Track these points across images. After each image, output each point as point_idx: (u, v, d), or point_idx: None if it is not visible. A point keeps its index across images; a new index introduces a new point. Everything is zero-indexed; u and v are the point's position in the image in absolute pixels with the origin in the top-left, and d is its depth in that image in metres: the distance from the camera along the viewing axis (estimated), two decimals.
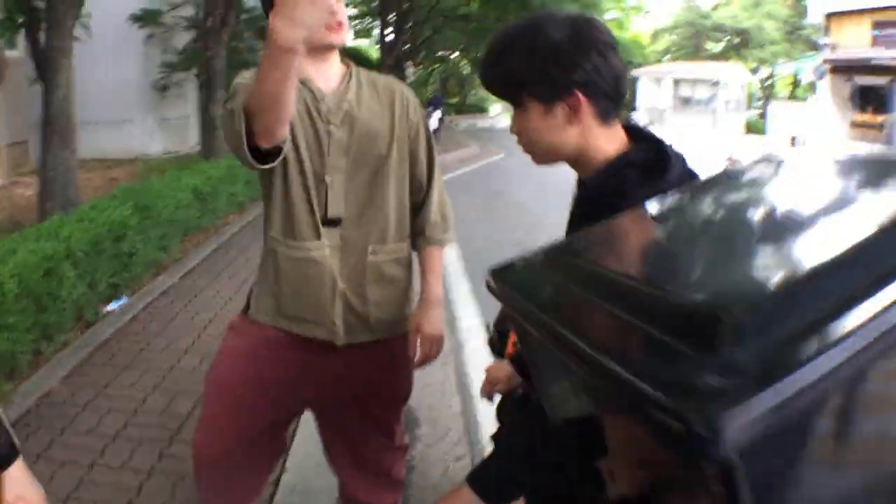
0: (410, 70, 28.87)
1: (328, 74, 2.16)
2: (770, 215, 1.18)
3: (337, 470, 2.54)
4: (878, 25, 23.91)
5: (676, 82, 39.66)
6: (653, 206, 1.37)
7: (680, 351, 0.80)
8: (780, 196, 1.26)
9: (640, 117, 34.45)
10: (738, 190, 1.36)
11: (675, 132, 24.96)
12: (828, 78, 25.67)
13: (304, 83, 2.08)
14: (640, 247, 1.30)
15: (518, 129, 1.62)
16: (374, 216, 2.20)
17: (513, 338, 2.24)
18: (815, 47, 31.30)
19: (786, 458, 0.76)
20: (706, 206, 1.36)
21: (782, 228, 1.07)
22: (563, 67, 1.47)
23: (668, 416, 0.72)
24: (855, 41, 24.96)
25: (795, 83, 35.39)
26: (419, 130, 2.28)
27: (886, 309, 0.75)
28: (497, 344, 2.38)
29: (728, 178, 1.42)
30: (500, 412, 2.32)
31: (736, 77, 39.84)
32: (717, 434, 0.67)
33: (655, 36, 51.21)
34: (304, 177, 2.11)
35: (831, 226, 0.99)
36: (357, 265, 2.19)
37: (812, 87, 29.70)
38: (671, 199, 1.39)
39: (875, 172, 1.21)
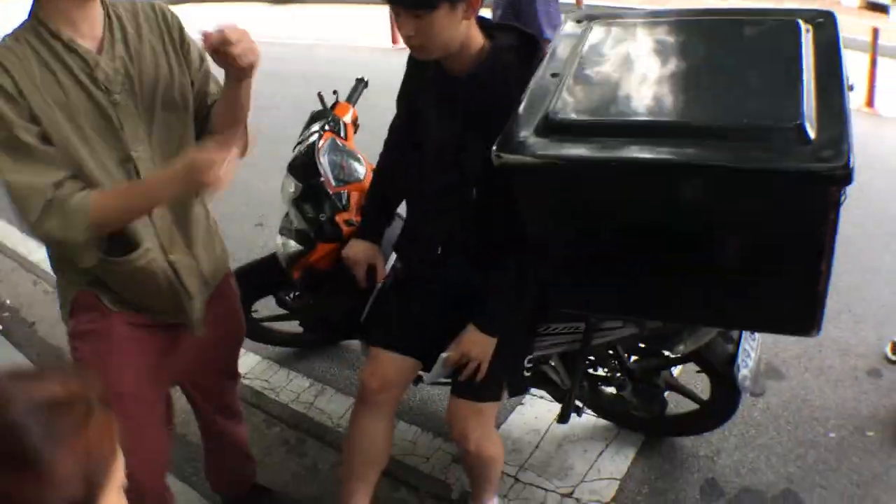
0: None
1: (93, 23, 1.81)
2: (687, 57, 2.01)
3: (202, 417, 2.57)
4: None
5: None
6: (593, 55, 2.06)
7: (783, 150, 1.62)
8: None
9: None
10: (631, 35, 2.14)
11: None
12: None
13: (68, 45, 1.74)
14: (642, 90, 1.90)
15: (416, 30, 1.94)
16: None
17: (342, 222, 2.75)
18: None
19: None
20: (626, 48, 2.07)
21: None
22: None
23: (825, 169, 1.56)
24: None
25: None
26: (201, 57, 2.02)
27: None
28: (330, 230, 2.73)
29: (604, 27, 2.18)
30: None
31: None
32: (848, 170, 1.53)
33: None
34: (103, 163, 1.82)
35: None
36: (184, 229, 2.05)
37: None
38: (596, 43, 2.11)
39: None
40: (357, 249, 2.49)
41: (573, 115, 1.84)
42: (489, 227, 2.19)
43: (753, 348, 2.60)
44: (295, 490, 3.00)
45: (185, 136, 1.99)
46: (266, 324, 3.57)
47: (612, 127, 1.80)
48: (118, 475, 1.04)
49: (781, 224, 1.73)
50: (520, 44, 2.14)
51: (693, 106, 1.85)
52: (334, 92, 3.20)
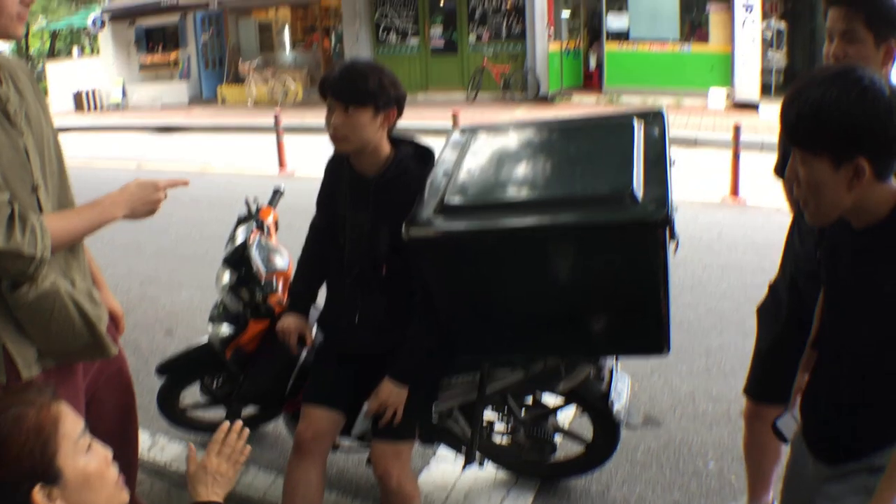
0: None
1: None
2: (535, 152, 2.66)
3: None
4: None
5: None
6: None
7: (620, 209, 2.24)
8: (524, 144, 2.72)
9: None
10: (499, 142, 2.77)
11: None
12: (109, 26, 24.42)
13: None
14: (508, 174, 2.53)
15: (343, 122, 2.53)
16: (67, 202, 2.25)
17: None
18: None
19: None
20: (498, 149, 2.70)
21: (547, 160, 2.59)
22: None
23: (650, 217, 2.18)
24: None
25: (74, 38, 34.11)
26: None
27: None
28: (265, 309, 3.21)
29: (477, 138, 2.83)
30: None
31: None
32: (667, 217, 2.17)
33: None
34: (21, 190, 2.01)
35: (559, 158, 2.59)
36: (75, 255, 2.26)
37: (94, 38, 28.00)
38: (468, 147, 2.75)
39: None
40: (289, 321, 2.97)
41: (462, 199, 2.43)
42: (397, 297, 2.72)
43: (625, 385, 3.14)
44: None
45: (63, 174, 2.24)
46: (191, 412, 3.92)
47: (492, 205, 2.40)
48: (71, 436, 1.47)
49: (626, 265, 2.32)
50: (417, 153, 2.77)
51: (552, 185, 2.47)
52: (256, 199, 3.70)
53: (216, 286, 3.36)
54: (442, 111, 16.62)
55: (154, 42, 24.96)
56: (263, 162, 12.20)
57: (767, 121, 13.72)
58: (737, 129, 8.72)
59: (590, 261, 2.34)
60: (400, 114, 2.65)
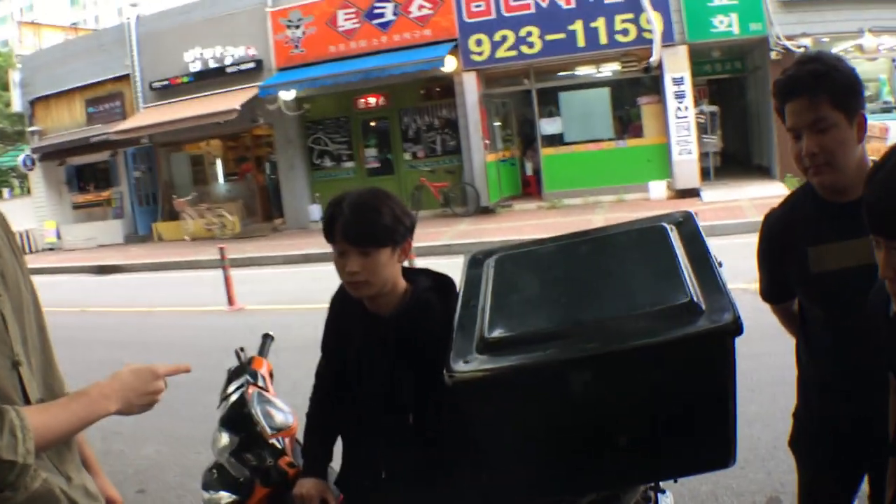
0: None
1: None
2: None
3: None
4: (91, 103, 22.99)
5: None
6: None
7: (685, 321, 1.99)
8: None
9: None
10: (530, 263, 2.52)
11: None
12: (39, 166, 24.13)
13: None
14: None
15: (362, 266, 2.26)
16: (53, 380, 1.86)
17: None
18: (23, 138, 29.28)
19: None
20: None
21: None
22: None
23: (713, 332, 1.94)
24: (70, 122, 23.34)
25: (4, 179, 34.08)
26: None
27: None
28: (276, 474, 2.75)
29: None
30: None
31: None
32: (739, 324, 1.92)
33: None
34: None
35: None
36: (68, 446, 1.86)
37: (25, 179, 28.32)
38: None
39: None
40: (308, 486, 2.56)
41: (504, 331, 2.14)
42: (428, 446, 2.38)
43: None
44: None
45: (47, 346, 1.88)
46: None
47: (542, 335, 2.11)
48: None
49: (693, 380, 2.09)
50: (436, 285, 2.48)
51: (600, 304, 2.20)
52: (242, 349, 3.34)
53: (212, 450, 2.96)
54: None
55: (86, 181, 24.66)
56: (210, 298, 11.71)
57: (711, 205, 13.97)
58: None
59: (657, 379, 2.10)
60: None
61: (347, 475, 2.59)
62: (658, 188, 16.05)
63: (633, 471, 2.36)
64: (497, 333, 2.14)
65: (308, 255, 15.41)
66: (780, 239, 2.41)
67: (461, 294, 2.41)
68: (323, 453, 2.65)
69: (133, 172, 23.28)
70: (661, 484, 2.85)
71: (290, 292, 12.03)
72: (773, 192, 14.83)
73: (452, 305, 2.35)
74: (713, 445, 2.22)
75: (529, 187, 19.43)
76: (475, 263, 2.57)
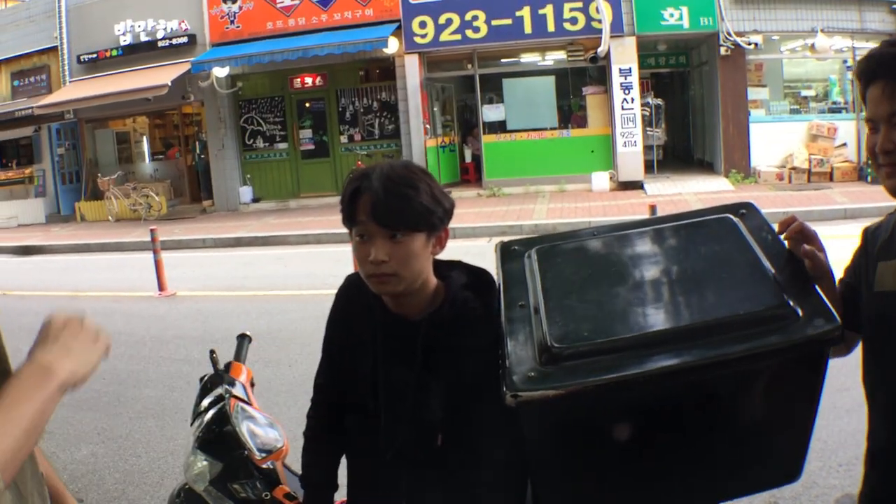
0: None
1: None
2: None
3: None
4: (16, 76, 22.28)
5: None
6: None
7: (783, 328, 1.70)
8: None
9: None
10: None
11: None
12: None
13: None
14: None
15: (390, 254, 1.84)
16: None
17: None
18: None
19: None
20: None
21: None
22: None
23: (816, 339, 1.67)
24: None
25: None
26: None
27: None
28: None
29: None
30: None
31: None
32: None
33: None
34: None
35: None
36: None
37: None
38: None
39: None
40: None
41: (574, 341, 1.77)
42: (458, 474, 2.00)
43: None
44: None
45: None
46: None
47: (621, 345, 1.75)
48: None
49: (785, 390, 1.81)
50: (473, 281, 2.07)
51: (679, 309, 1.86)
52: (213, 352, 2.88)
53: (185, 476, 2.51)
54: (317, 217, 16.05)
55: (8, 157, 23.47)
56: (139, 282, 11.03)
57: (655, 198, 13.87)
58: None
59: (748, 392, 1.82)
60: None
61: None
62: (601, 179, 15.93)
63: (699, 491, 2.05)
64: (566, 342, 1.77)
65: (240, 238, 14.89)
66: (864, 251, 2.01)
67: (503, 292, 1.99)
68: (327, 481, 2.22)
69: (57, 149, 22.14)
70: None
71: (222, 277, 11.55)
72: (716, 187, 14.89)
73: (493, 306, 1.95)
74: (782, 460, 1.95)
75: (468, 174, 19.15)
76: (512, 256, 2.16)
